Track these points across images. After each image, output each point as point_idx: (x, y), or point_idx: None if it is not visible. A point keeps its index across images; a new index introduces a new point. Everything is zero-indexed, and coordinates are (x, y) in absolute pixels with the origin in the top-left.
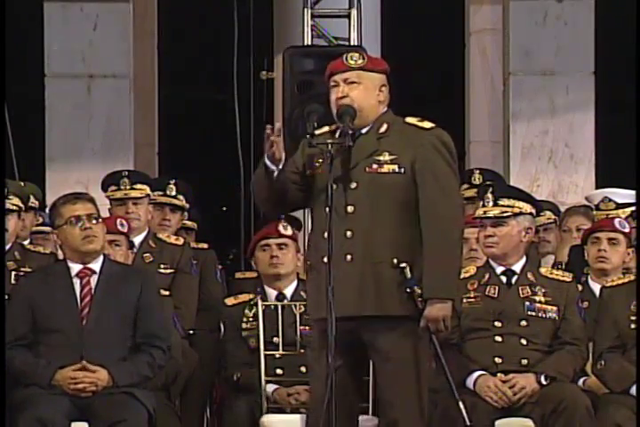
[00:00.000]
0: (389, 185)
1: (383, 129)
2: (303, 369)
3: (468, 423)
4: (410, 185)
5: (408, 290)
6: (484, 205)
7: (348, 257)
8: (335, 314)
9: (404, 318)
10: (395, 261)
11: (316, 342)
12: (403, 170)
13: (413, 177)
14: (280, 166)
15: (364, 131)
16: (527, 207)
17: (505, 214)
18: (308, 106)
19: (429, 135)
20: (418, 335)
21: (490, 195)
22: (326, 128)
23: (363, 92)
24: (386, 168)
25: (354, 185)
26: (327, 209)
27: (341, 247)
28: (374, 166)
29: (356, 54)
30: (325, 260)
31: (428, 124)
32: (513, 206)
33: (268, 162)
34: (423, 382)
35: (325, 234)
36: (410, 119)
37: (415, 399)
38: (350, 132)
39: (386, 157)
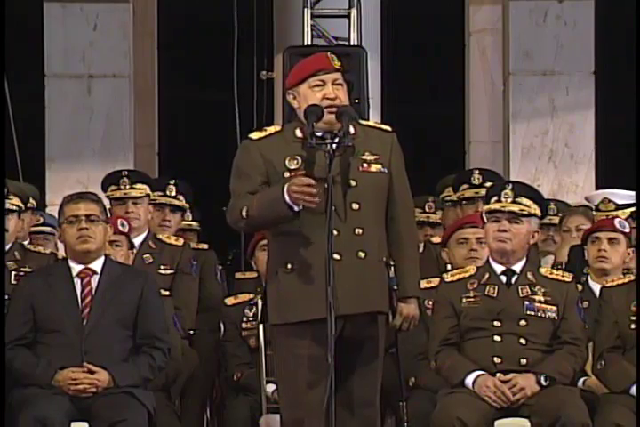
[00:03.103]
0: (378, 184)
1: (352, 130)
2: None
3: (405, 425)
4: (387, 184)
5: (395, 287)
6: (499, 201)
7: (361, 254)
8: (343, 311)
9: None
10: (384, 258)
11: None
12: (386, 170)
13: (390, 177)
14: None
15: (335, 131)
16: (538, 211)
17: (523, 212)
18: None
19: (393, 138)
20: (384, 329)
21: (510, 191)
22: (272, 129)
23: (344, 94)
24: (374, 168)
25: (354, 183)
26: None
27: (351, 244)
28: (365, 165)
29: (334, 55)
30: (321, 258)
31: (387, 127)
32: (529, 207)
33: (292, 204)
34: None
35: (317, 232)
36: (363, 122)
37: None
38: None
39: (368, 156)
